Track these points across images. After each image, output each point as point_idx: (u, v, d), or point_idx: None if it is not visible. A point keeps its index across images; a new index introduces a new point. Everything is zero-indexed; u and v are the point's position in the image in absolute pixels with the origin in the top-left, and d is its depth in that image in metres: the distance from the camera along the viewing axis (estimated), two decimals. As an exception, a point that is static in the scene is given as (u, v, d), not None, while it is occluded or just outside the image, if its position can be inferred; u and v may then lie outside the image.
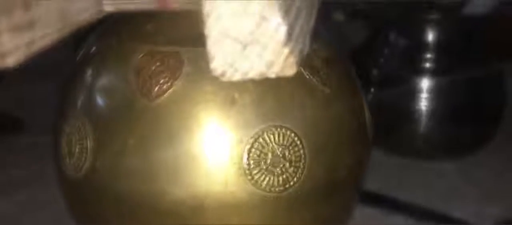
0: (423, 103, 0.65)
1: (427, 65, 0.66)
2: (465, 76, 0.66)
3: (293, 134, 0.36)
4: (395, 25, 0.69)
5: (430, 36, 0.66)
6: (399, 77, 0.67)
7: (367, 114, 0.42)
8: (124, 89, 0.36)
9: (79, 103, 0.38)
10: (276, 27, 0.21)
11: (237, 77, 0.22)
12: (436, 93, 0.65)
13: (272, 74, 0.22)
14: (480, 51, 0.68)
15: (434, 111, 0.65)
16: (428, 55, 0.66)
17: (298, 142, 0.36)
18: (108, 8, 0.35)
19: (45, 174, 0.60)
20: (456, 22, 0.68)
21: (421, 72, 0.66)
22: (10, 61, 0.25)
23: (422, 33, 0.67)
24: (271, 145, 0.35)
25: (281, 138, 0.36)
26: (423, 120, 0.65)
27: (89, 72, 0.38)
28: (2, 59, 0.24)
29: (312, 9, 0.29)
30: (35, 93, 0.82)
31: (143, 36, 0.37)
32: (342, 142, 0.38)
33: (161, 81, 0.36)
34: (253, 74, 0.22)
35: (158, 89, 0.36)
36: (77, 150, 0.37)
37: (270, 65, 0.22)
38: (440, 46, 0.66)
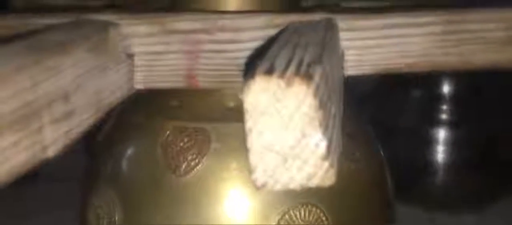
0: (441, 154, 0.65)
1: (444, 116, 0.66)
2: (482, 128, 0.66)
3: (318, 211, 0.36)
4: (411, 77, 0.69)
5: (446, 88, 0.67)
6: (415, 128, 0.67)
7: (390, 183, 0.42)
8: (152, 165, 0.37)
9: (107, 177, 0.38)
10: (317, 142, 0.21)
11: (277, 187, 0.22)
12: (454, 145, 0.65)
13: (312, 185, 0.22)
14: (496, 102, 0.68)
15: (452, 163, 0.65)
16: (444, 107, 0.66)
17: (324, 219, 0.36)
18: (139, 86, 0.35)
19: (61, 223, 0.60)
20: (471, 74, 0.68)
21: (437, 123, 0.66)
22: (51, 152, 0.25)
23: (438, 85, 0.67)
24: (297, 221, 0.36)
25: (307, 214, 0.36)
26: (441, 172, 0.65)
27: (117, 146, 0.39)
28: (44, 151, 0.24)
29: (340, 103, 0.29)
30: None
31: (170, 111, 0.38)
32: (366, 217, 0.39)
33: (189, 158, 0.36)
34: (294, 185, 0.22)
35: (186, 166, 0.36)
36: (105, 224, 0.37)
37: (310, 177, 0.22)
38: (456, 98, 0.67)
